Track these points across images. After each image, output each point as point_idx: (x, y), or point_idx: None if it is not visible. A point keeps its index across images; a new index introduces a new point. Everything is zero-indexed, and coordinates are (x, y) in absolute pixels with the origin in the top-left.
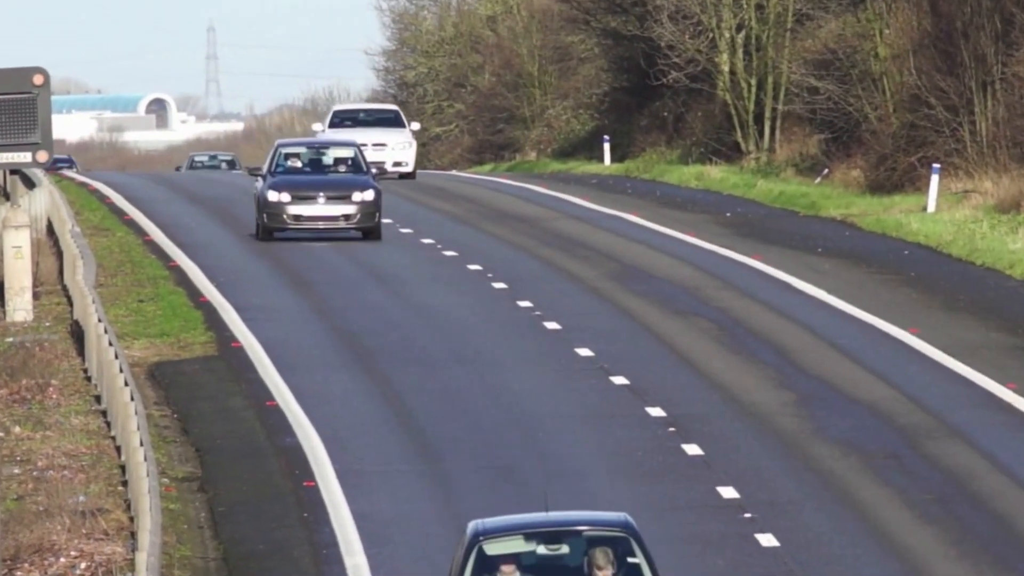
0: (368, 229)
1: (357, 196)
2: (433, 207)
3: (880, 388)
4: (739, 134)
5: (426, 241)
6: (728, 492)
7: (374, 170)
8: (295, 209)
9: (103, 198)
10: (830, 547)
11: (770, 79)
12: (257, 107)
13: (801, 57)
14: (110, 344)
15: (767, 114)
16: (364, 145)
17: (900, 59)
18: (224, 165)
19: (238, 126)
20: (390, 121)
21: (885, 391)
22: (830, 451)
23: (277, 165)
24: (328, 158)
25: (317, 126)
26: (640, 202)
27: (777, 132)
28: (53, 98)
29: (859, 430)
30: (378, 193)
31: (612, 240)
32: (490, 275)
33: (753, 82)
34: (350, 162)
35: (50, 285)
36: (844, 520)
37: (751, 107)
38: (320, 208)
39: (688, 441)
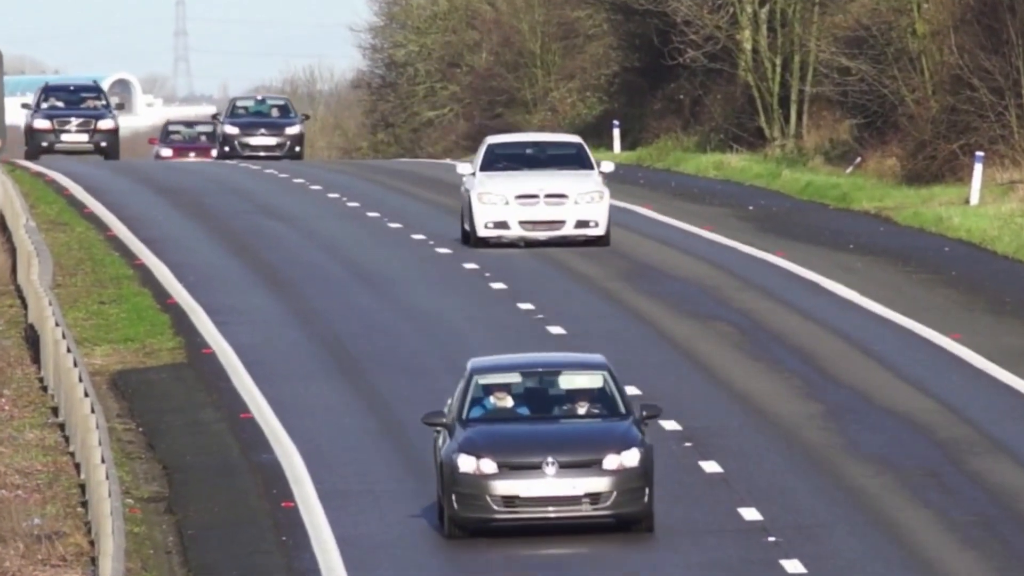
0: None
1: (610, 460)
2: (424, 199)
3: (918, 399)
4: (762, 119)
5: (417, 237)
6: (750, 514)
7: (540, 235)
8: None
9: (61, 189)
10: (862, 575)
11: (797, 58)
12: (231, 88)
13: (831, 34)
14: (68, 350)
15: (793, 97)
16: (534, 197)
17: (940, 36)
18: (275, 112)
19: (210, 109)
20: (570, 159)
21: (923, 402)
22: (862, 468)
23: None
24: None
25: (464, 168)
26: (653, 194)
27: (804, 117)
28: (5, 79)
29: (894, 445)
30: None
31: (622, 235)
32: (488, 274)
33: (778, 61)
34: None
35: (2, 285)
36: (878, 544)
37: (776, 89)
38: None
39: (706, 457)
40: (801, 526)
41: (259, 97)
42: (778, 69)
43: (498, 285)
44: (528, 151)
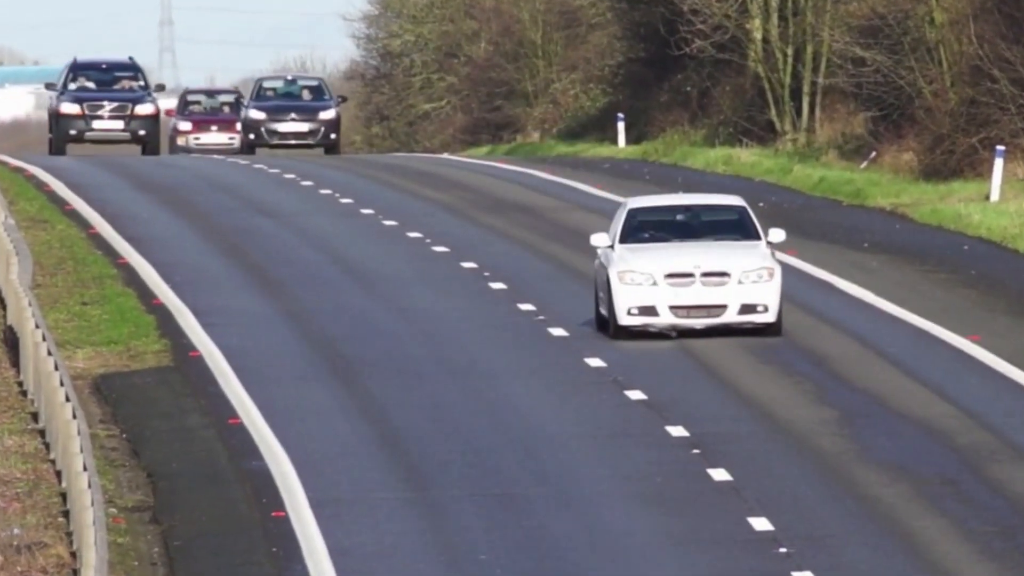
0: None
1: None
2: (421, 196)
3: (935, 404)
4: (773, 112)
5: (413, 235)
6: (760, 523)
7: (696, 323)
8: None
9: (41, 185)
10: None
11: (809, 48)
12: (219, 80)
13: (845, 23)
14: (49, 353)
15: (805, 89)
16: (688, 276)
17: (959, 25)
18: (307, 94)
19: None
20: (731, 227)
21: (941, 407)
22: (877, 476)
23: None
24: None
25: (599, 239)
26: (659, 190)
27: (817, 109)
28: None
29: (911, 452)
30: None
31: None
32: (487, 274)
33: (790, 52)
34: None
35: None
36: (893, 556)
37: (787, 81)
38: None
39: (714, 465)
40: (813, 536)
41: (289, 76)
42: (790, 60)
43: (498, 285)
44: (679, 217)
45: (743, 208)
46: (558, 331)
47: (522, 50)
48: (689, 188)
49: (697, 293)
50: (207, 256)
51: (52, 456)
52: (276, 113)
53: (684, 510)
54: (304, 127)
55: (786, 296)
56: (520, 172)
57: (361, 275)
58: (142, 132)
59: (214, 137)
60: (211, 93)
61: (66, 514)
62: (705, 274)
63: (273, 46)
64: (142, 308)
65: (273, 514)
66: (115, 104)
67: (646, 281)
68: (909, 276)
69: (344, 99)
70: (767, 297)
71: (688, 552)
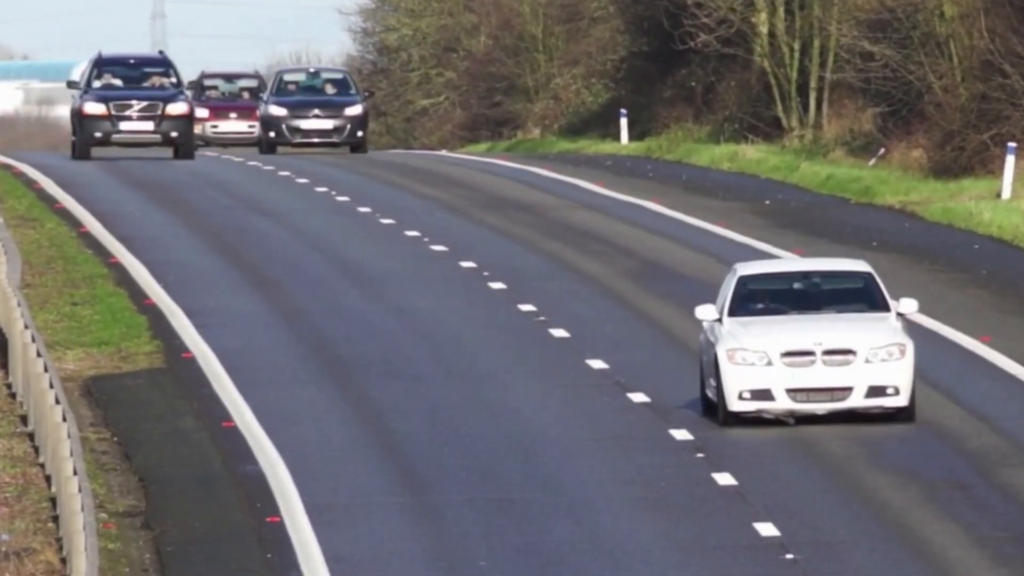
0: None
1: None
2: (419, 193)
3: (946, 406)
4: (779, 107)
5: (411, 234)
6: (767, 529)
7: (818, 409)
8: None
9: (30, 183)
10: None
11: (816, 42)
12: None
13: (853, 17)
14: (39, 355)
15: (812, 84)
16: (808, 355)
17: (970, 19)
18: (331, 88)
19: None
20: (856, 296)
21: (951, 410)
22: (886, 481)
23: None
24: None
25: (705, 311)
26: (663, 188)
27: (824, 105)
28: None
29: (921, 456)
30: None
31: (630, 232)
32: (486, 274)
33: (796, 46)
34: None
35: None
36: (902, 562)
37: (794, 76)
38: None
39: (719, 469)
40: (821, 542)
41: (311, 69)
42: (796, 54)
43: (497, 285)
44: (796, 285)
45: (870, 274)
46: (559, 332)
47: (522, 44)
48: (694, 187)
49: (818, 374)
50: (200, 255)
51: (41, 460)
52: (298, 109)
53: (688, 515)
54: (328, 124)
55: None
56: (520, 169)
57: (358, 275)
58: (174, 134)
59: (233, 125)
60: (230, 77)
61: (56, 519)
62: (827, 352)
63: (268, 40)
64: (134, 308)
65: (268, 519)
66: (144, 103)
67: (760, 361)
68: (918, 276)
69: (372, 93)
70: (898, 378)
71: (692, 559)
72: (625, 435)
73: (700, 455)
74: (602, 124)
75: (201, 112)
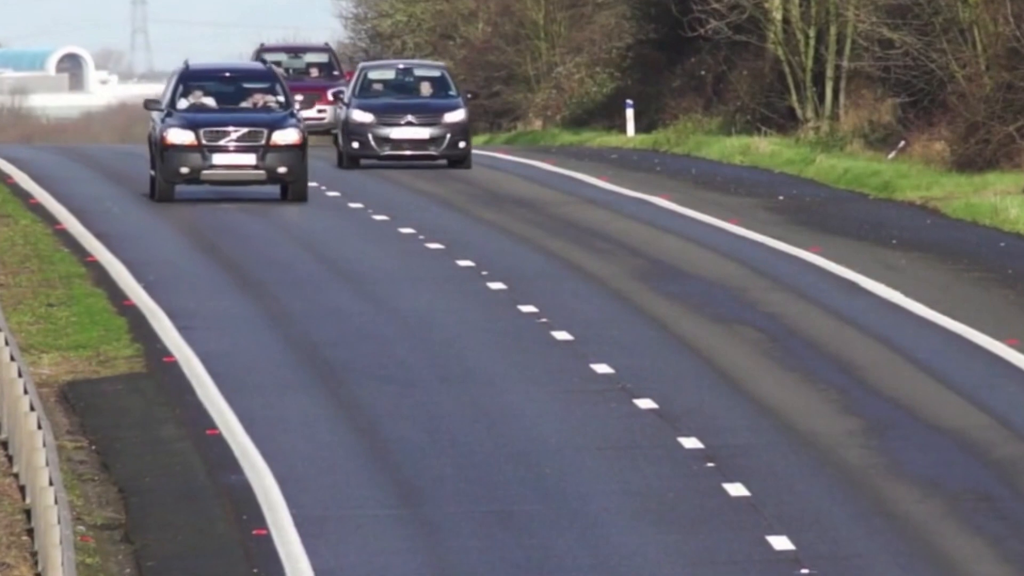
0: None
1: None
2: (414, 188)
3: (970, 413)
4: (794, 98)
5: (405, 231)
6: (781, 542)
7: None
8: None
9: (4, 178)
10: None
11: (833, 29)
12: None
13: (872, 2)
14: (12, 359)
15: (829, 73)
16: None
17: (995, 4)
18: (427, 88)
19: None
20: None
21: (976, 417)
22: (907, 492)
23: None
24: None
25: None
26: (671, 182)
27: (841, 95)
28: None
29: (943, 465)
30: None
31: (637, 229)
32: (485, 273)
33: (812, 33)
34: None
35: None
36: None
37: (809, 64)
38: None
39: (731, 479)
40: (838, 556)
41: (401, 65)
42: (812, 41)
43: (496, 285)
44: None
45: None
46: (562, 335)
47: (523, 31)
48: (704, 182)
49: None
50: (183, 254)
51: (15, 470)
52: (387, 114)
53: (698, 528)
54: (424, 133)
55: (806, 297)
56: (521, 163)
57: (349, 274)
58: (282, 169)
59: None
60: (295, 51)
61: (30, 532)
62: None
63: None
64: (113, 310)
65: (254, 532)
66: (244, 130)
67: None
68: (941, 275)
69: (475, 95)
70: None
71: (702, 574)
72: (631, 443)
73: (711, 464)
74: (607, 115)
75: None
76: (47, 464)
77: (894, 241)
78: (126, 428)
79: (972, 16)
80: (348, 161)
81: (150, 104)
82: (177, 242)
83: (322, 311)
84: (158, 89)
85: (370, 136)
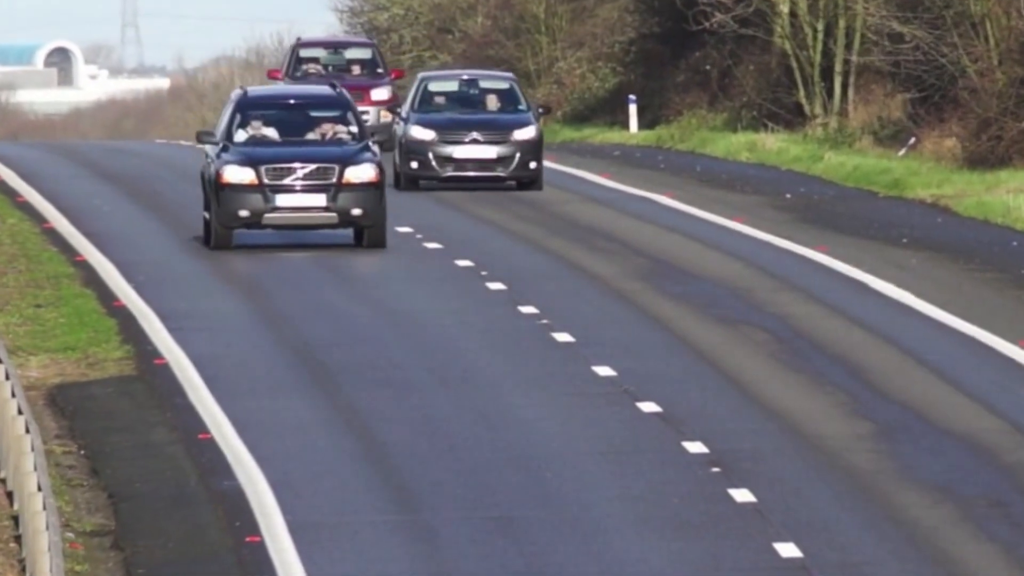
0: None
1: None
2: (410, 188)
3: (982, 417)
4: (802, 93)
5: (402, 230)
6: (788, 550)
7: None
8: None
9: None
10: None
11: (841, 23)
12: (187, 59)
13: None
14: None
15: (837, 68)
16: None
17: None
18: (494, 101)
19: (163, 83)
20: None
21: (989, 421)
22: (918, 498)
23: None
24: None
25: None
26: (675, 180)
27: (850, 91)
28: None
29: (955, 471)
30: None
31: (640, 228)
32: (484, 273)
33: (820, 27)
34: None
35: None
36: None
37: (817, 59)
38: None
39: (737, 485)
40: (847, 564)
41: (465, 76)
42: (820, 35)
43: (496, 285)
44: None
45: None
46: (563, 336)
47: (523, 25)
48: (709, 180)
49: None
50: (174, 253)
51: (2, 475)
52: (449, 131)
53: (703, 535)
54: (491, 152)
55: (814, 298)
56: None
57: (344, 274)
58: (356, 211)
59: None
60: (335, 46)
61: (18, 539)
62: None
63: (247, 20)
64: (102, 311)
65: (247, 539)
66: (313, 166)
67: None
68: (952, 275)
69: (548, 110)
70: None
71: None
72: (634, 448)
73: (716, 469)
74: (609, 111)
75: None
76: (35, 469)
77: (904, 240)
78: (116, 432)
79: (984, 9)
80: (406, 182)
81: (203, 137)
82: (168, 241)
83: (317, 312)
84: (148, 85)
85: (431, 155)
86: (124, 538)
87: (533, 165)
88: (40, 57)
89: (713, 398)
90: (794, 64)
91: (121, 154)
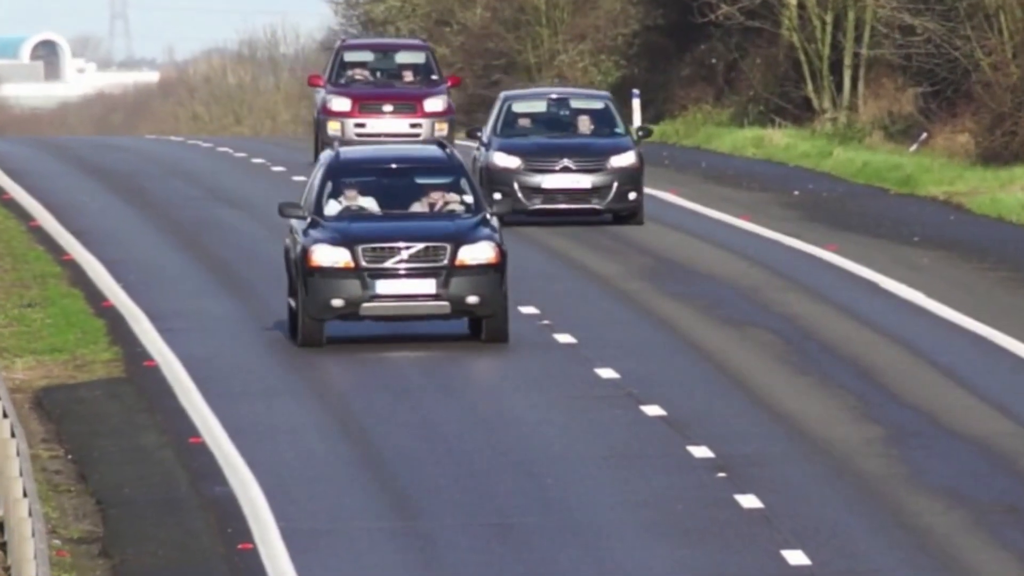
0: None
1: None
2: None
3: (996, 421)
4: (810, 87)
5: None
6: (796, 557)
7: None
8: None
9: None
10: None
11: (851, 15)
12: (178, 52)
13: None
14: None
15: (847, 61)
16: None
17: None
18: (587, 123)
19: (152, 76)
20: None
21: (1002, 424)
22: (929, 503)
23: None
24: None
25: None
26: (680, 176)
27: (860, 85)
28: None
29: (968, 475)
30: None
31: (643, 226)
32: None
33: (829, 19)
34: None
35: None
36: None
37: (826, 52)
38: None
39: (743, 490)
40: (856, 572)
41: (554, 95)
42: (829, 28)
43: None
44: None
45: None
46: (564, 337)
47: (523, 17)
48: (715, 176)
49: None
50: (164, 252)
51: None
52: (537, 158)
53: (708, 542)
54: (585, 181)
55: (822, 298)
56: None
57: None
58: (472, 299)
59: (387, 124)
60: (384, 49)
61: (3, 546)
62: None
63: (239, 12)
64: (90, 311)
65: (239, 546)
66: (420, 246)
67: None
68: (965, 274)
69: (649, 132)
70: None
71: None
72: (638, 452)
73: (722, 474)
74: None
75: (340, 103)
76: (21, 474)
77: (916, 239)
78: (104, 436)
79: (998, 1)
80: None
81: (287, 209)
82: (158, 239)
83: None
84: (138, 78)
85: (516, 185)
86: (112, 545)
87: (633, 196)
88: (26, 50)
89: (719, 401)
90: (802, 57)
91: (109, 150)
